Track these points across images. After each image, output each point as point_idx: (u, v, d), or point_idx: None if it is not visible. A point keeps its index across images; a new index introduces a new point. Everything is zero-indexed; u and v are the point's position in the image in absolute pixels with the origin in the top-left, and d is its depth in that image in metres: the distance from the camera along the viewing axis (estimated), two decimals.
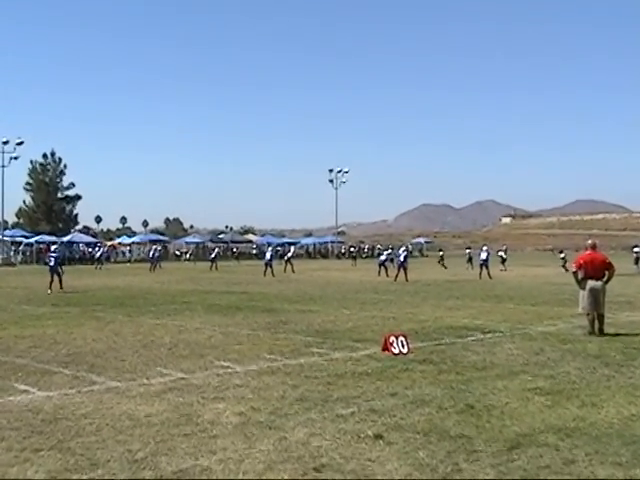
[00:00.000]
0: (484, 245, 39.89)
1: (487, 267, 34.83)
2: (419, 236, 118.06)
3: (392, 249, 43.51)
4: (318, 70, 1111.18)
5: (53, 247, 29.48)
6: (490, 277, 33.73)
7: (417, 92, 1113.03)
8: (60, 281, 25.87)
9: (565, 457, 5.70)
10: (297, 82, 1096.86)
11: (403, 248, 35.79)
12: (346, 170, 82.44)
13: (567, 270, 39.33)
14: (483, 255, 35.56)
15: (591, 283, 13.21)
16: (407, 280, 31.20)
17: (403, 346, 10.91)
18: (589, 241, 14.26)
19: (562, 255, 43.25)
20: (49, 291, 25.11)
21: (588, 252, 13.64)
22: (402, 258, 32.97)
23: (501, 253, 45.76)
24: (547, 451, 5.85)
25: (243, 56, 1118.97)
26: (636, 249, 42.09)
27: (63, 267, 27.44)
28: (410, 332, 12.66)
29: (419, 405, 7.47)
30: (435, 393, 8.05)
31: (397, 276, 32.29)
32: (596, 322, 13.16)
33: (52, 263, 26.48)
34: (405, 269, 32.31)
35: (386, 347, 10.88)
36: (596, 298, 13.13)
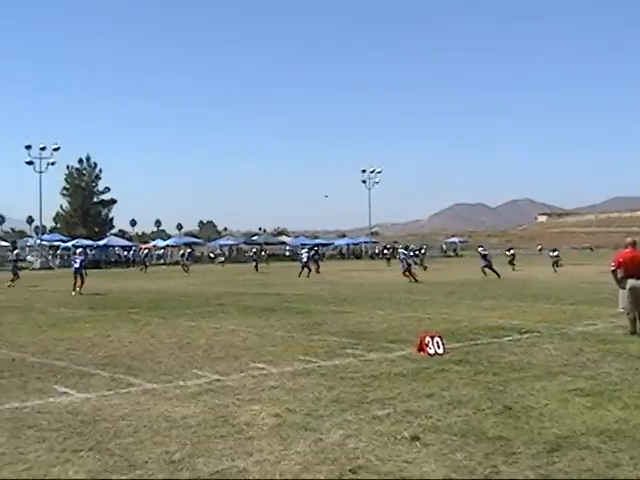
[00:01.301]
0: (480, 246, 40.56)
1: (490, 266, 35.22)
2: (453, 236, 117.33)
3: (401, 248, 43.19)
4: (350, 70, 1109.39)
5: (78, 251, 30.29)
6: (485, 274, 34.13)
7: (449, 90, 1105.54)
8: (81, 284, 26.47)
9: (608, 460, 5.59)
10: (329, 82, 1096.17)
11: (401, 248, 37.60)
12: (379, 170, 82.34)
13: (556, 271, 38.73)
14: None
15: (631, 282, 12.98)
16: (413, 280, 31.32)
17: (439, 347, 10.83)
18: (628, 239, 14.01)
19: (555, 253, 42.22)
20: (73, 293, 25.82)
21: (628, 250, 13.40)
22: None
23: (513, 251, 45.06)
24: (589, 454, 5.75)
25: (272, 57, 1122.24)
26: None
27: (87, 271, 28.18)
28: (445, 332, 12.56)
29: (456, 406, 7.41)
30: (472, 394, 7.98)
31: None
32: (637, 322, 12.93)
33: (77, 265, 27.27)
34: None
35: (421, 348, 10.81)
36: (637, 297, 12.89)
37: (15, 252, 38.40)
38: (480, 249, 37.77)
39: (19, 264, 36.25)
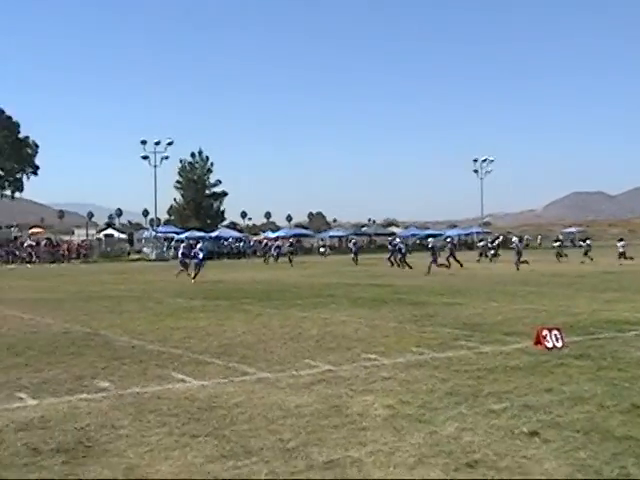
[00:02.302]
0: (516, 237, 41.34)
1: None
2: (571, 226, 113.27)
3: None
4: (462, 56, 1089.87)
5: (199, 246, 32.70)
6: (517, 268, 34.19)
7: (568, 75, 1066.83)
8: (196, 274, 28.88)
9: None
10: (439, 69, 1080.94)
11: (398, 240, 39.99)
12: (491, 159, 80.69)
13: (621, 264, 36.50)
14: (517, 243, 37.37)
15: None
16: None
17: (557, 340, 10.50)
18: None
19: (621, 244, 39.74)
20: (192, 281, 27.98)
21: None
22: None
23: (589, 242, 43.66)
24: None
25: (382, 47, 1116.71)
26: None
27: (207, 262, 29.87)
28: (564, 325, 12.17)
29: (577, 402, 7.16)
30: (595, 390, 7.68)
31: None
32: None
33: (200, 256, 29.97)
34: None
35: (539, 341, 10.52)
36: None
37: (183, 245, 40.17)
38: (515, 239, 38.43)
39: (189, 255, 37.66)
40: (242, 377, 8.75)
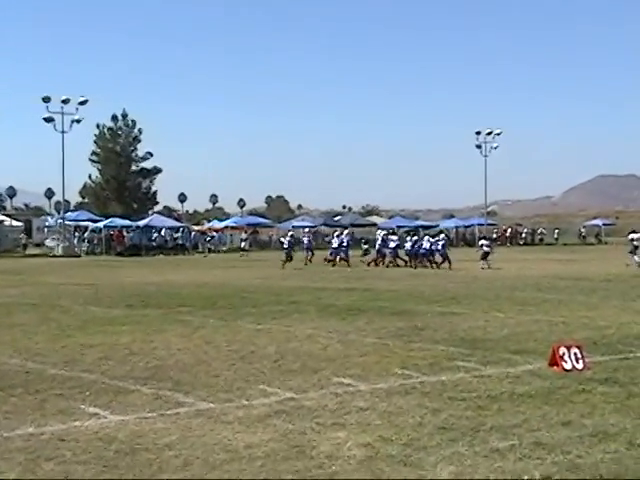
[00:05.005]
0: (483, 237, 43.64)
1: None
2: (595, 217, 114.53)
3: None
4: (463, 6, 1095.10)
5: (290, 233, 43.05)
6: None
7: (597, 35, 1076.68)
8: (312, 256, 40.71)
9: None
10: (434, 19, 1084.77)
11: (442, 235, 41.43)
12: (498, 132, 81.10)
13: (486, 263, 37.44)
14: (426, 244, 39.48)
15: None
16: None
17: (577, 360, 10.70)
18: None
19: (484, 242, 39.67)
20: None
21: None
22: (440, 247, 38.61)
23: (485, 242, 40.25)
24: None
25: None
26: None
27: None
28: (586, 342, 12.42)
29: (601, 439, 7.29)
30: (623, 424, 7.83)
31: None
32: None
33: (286, 245, 40.62)
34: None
35: (555, 361, 10.70)
36: None
37: (290, 233, 45.10)
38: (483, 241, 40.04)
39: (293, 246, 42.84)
40: (176, 409, 8.73)
